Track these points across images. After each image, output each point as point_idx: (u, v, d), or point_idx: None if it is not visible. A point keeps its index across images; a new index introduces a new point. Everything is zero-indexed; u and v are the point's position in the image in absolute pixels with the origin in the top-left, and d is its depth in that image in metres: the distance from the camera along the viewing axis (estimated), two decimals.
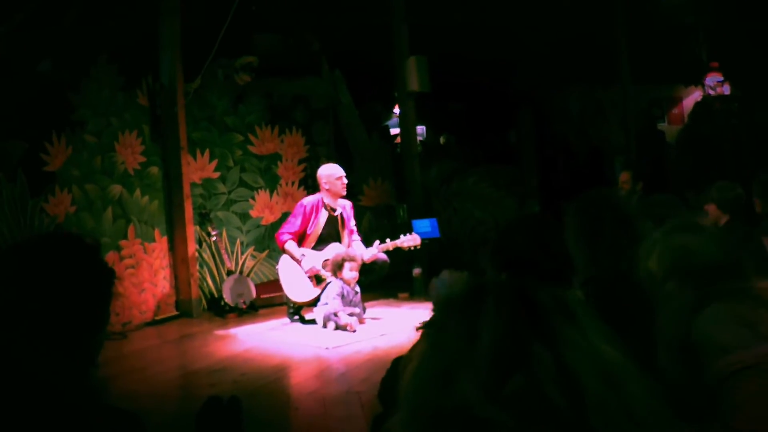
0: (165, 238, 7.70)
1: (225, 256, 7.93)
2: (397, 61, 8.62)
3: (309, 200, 7.01)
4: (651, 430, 0.93)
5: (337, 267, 6.59)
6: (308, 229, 6.90)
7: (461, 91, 11.46)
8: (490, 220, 9.38)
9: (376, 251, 6.86)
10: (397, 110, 10.21)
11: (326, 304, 6.52)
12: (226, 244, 8.12)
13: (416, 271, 8.07)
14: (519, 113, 11.86)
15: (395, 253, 7.04)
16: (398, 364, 1.64)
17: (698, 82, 11.53)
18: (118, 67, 7.27)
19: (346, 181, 7.00)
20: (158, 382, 5.25)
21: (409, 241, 6.98)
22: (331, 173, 6.98)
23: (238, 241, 8.31)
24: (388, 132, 12.02)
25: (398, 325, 6.48)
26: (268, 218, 8.49)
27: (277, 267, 7.11)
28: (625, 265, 2.39)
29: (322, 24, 9.26)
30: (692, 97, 12.14)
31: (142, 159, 7.51)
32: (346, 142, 9.29)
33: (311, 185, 8.60)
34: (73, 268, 1.59)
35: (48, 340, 1.49)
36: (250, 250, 8.36)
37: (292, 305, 6.99)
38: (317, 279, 6.79)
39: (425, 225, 8.00)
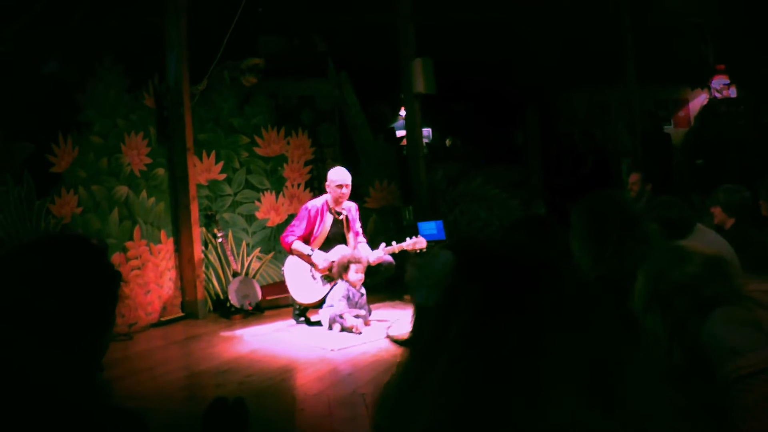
0: (171, 239, 7.71)
1: (231, 258, 7.93)
2: (404, 63, 8.63)
3: (313, 204, 7.01)
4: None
5: (342, 269, 6.59)
6: (314, 232, 6.91)
7: (467, 92, 11.45)
8: (495, 221, 9.38)
9: (381, 253, 6.85)
10: (403, 112, 10.21)
11: (332, 306, 6.52)
12: (231, 245, 8.12)
13: None
14: (525, 114, 11.85)
15: (401, 255, 7.03)
16: None
17: (704, 84, 11.51)
18: (125, 68, 7.28)
19: (345, 191, 6.91)
20: (164, 383, 5.25)
21: (414, 243, 6.97)
22: (333, 179, 6.95)
23: (243, 243, 8.32)
24: (394, 134, 12.02)
25: (404, 328, 6.45)
26: (274, 220, 8.50)
27: (282, 269, 7.11)
28: (631, 265, 2.39)
29: (328, 26, 9.28)
30: (698, 100, 12.11)
31: (149, 160, 7.52)
32: (353, 143, 9.29)
33: (317, 187, 8.61)
34: (80, 270, 1.59)
35: (53, 341, 1.49)
36: (256, 251, 8.37)
37: (297, 307, 7.00)
38: (328, 277, 6.78)
39: (431, 227, 8.00)
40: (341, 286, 6.56)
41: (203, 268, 7.85)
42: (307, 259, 6.82)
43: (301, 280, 6.85)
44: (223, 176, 8.28)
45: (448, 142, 12.89)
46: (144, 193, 7.41)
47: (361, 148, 9.30)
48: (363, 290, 6.68)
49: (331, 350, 5.87)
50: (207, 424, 1.81)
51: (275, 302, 7.88)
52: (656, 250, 2.28)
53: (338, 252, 6.82)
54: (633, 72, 10.03)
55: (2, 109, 6.08)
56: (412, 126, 8.97)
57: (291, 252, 6.92)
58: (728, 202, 5.26)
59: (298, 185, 8.71)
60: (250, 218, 8.42)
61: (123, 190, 7.20)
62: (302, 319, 6.99)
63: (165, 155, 7.72)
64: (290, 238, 6.89)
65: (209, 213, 8.07)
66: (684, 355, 2.04)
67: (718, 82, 11.39)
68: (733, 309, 2.01)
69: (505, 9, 9.79)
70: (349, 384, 4.98)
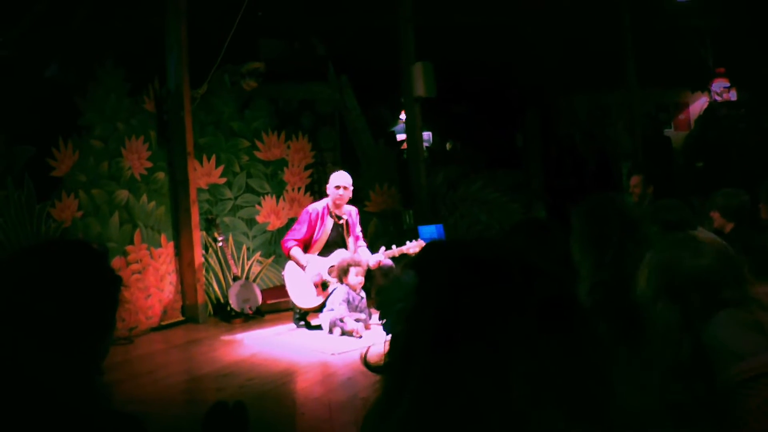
0: (171, 243, 7.70)
1: (231, 262, 7.93)
2: (404, 67, 8.63)
3: (314, 207, 7.02)
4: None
5: (342, 272, 6.59)
6: (315, 235, 6.92)
7: (467, 94, 11.46)
8: (496, 225, 9.37)
9: (381, 257, 6.85)
10: (403, 116, 10.21)
11: (332, 309, 6.52)
12: (232, 249, 8.12)
13: None
14: (526, 116, 11.85)
15: (401, 259, 7.03)
16: None
17: (704, 87, 11.51)
18: (125, 72, 7.28)
19: (343, 192, 6.93)
20: (164, 387, 5.25)
21: (415, 247, 6.95)
22: (331, 180, 7.02)
23: (244, 247, 8.31)
24: (395, 137, 12.02)
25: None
26: (275, 224, 8.49)
27: (283, 273, 7.11)
28: (632, 268, 2.38)
29: (328, 29, 9.28)
30: (698, 103, 12.12)
31: (149, 164, 7.52)
32: (353, 147, 9.29)
33: (318, 191, 8.61)
34: (80, 274, 1.59)
35: (53, 344, 1.49)
36: (257, 255, 8.36)
37: (298, 311, 6.99)
38: (323, 286, 6.79)
39: (431, 231, 7.99)
40: (341, 289, 6.56)
41: (204, 272, 7.84)
42: (302, 268, 6.85)
43: (301, 285, 6.85)
44: (223, 180, 8.27)
45: (448, 146, 12.90)
46: (144, 197, 7.41)
47: (362, 152, 9.29)
48: (363, 294, 6.68)
49: (332, 354, 5.86)
50: (207, 427, 1.81)
51: (276, 306, 7.88)
52: (666, 240, 2.27)
53: (338, 256, 6.82)
54: (634, 74, 10.04)
55: (3, 113, 6.09)
56: (412, 129, 8.98)
57: (290, 257, 6.93)
58: (726, 206, 5.23)
59: (299, 189, 8.70)
60: (251, 222, 8.42)
61: (123, 194, 7.20)
62: (302, 323, 6.99)
63: (165, 159, 7.72)
64: (290, 243, 6.90)
65: (210, 217, 8.06)
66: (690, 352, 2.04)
67: (719, 85, 11.40)
68: (737, 311, 2.01)
69: (506, 11, 9.81)
70: (349, 388, 4.98)
